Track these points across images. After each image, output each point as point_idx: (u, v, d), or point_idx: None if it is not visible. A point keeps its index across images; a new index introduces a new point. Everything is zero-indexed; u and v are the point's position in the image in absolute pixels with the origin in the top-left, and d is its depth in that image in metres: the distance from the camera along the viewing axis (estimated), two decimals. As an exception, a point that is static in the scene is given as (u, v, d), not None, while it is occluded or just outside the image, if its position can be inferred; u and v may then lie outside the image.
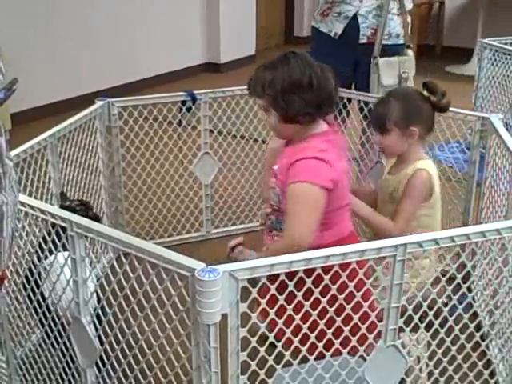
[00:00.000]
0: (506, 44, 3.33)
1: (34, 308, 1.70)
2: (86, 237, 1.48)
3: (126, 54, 5.20)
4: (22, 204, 1.59)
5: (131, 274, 1.40)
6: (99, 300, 1.53)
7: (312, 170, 1.62)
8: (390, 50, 2.66)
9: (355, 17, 2.66)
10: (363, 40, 2.68)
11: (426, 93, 1.96)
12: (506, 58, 3.23)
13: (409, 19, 2.76)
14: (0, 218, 0.95)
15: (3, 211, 0.96)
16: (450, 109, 2.38)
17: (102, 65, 4.98)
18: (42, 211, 1.56)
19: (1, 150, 0.97)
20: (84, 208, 1.90)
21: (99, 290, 1.52)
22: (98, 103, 2.49)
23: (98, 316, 1.55)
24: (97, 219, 1.92)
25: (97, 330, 1.55)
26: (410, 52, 2.74)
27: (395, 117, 1.94)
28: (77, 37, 4.77)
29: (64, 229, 1.50)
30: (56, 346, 1.69)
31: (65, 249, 1.53)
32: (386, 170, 2.11)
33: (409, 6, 2.75)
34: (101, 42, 4.98)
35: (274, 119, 1.68)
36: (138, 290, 1.39)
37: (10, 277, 1.68)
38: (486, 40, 3.38)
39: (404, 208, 1.92)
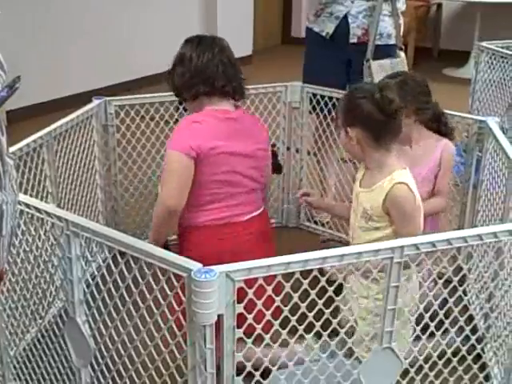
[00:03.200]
0: (502, 47, 3.32)
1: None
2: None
3: (122, 53, 5.18)
4: (18, 202, 1.58)
5: (127, 274, 1.40)
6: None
7: (176, 137, 1.78)
8: (382, 51, 2.66)
9: (346, 17, 2.68)
10: (353, 40, 2.69)
11: (377, 95, 1.70)
12: (503, 62, 3.23)
13: (401, 21, 2.76)
14: None
15: (3, 210, 0.95)
16: (447, 111, 2.41)
17: (98, 63, 4.95)
18: (38, 209, 1.56)
19: (1, 149, 0.96)
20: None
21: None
22: (95, 102, 2.47)
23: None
24: (279, 168, 2.18)
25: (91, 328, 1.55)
26: (402, 54, 2.74)
27: (339, 116, 1.81)
28: (73, 35, 4.74)
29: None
30: (50, 346, 1.68)
31: None
32: (357, 180, 1.87)
33: (402, 7, 2.76)
34: (97, 41, 4.95)
35: None
36: (133, 289, 1.39)
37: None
38: (483, 43, 3.38)
39: (406, 234, 1.61)
